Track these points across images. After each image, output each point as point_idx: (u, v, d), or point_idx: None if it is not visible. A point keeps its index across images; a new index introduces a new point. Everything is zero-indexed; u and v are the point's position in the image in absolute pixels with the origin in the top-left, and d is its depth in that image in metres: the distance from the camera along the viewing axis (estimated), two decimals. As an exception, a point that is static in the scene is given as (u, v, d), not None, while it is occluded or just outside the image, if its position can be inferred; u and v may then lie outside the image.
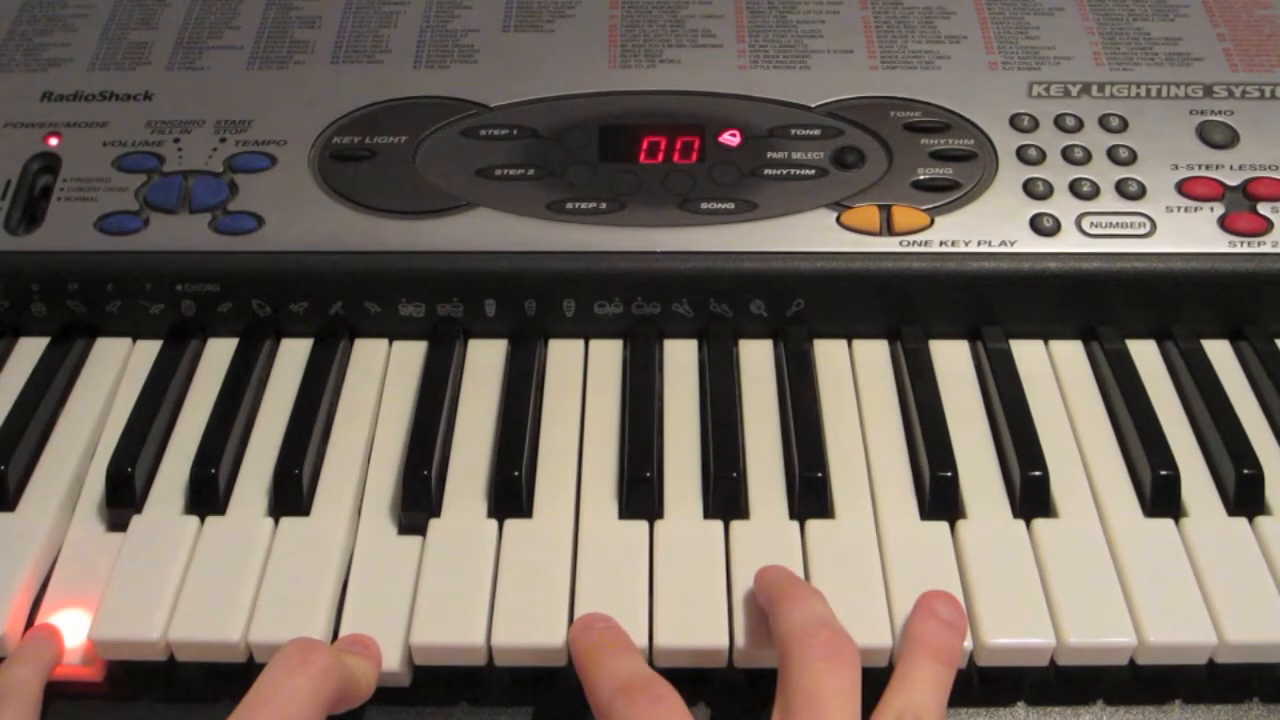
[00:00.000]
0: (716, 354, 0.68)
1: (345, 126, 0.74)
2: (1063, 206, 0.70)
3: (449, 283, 0.69)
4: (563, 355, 0.70)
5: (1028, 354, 0.70)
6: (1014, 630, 0.56)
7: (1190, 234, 0.70)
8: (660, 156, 0.73)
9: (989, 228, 0.70)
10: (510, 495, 0.61)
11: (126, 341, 0.71)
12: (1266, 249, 0.69)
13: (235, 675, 0.57)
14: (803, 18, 0.81)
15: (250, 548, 0.60)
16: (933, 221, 0.70)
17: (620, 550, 0.59)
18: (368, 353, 0.70)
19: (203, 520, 0.61)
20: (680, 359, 0.70)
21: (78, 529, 0.62)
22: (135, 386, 0.68)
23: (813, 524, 0.60)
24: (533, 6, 0.82)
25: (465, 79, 0.77)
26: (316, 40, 0.80)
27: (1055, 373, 0.69)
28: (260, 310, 0.70)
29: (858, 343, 0.70)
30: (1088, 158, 0.73)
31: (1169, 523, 0.61)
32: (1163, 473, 0.61)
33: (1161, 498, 0.61)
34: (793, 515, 0.61)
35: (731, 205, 0.70)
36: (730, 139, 0.74)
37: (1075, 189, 0.71)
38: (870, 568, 0.58)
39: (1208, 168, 0.72)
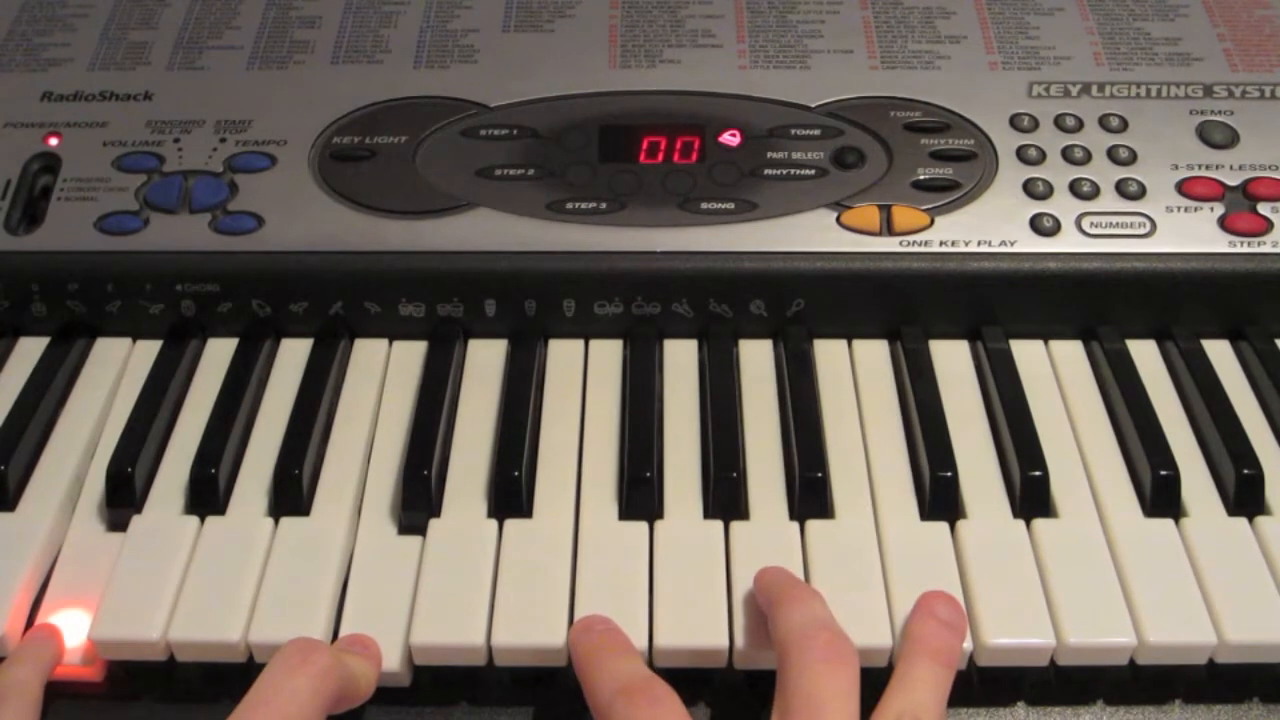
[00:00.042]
0: (716, 354, 0.68)
1: (345, 126, 0.74)
2: (1063, 206, 0.70)
3: (449, 283, 0.69)
4: (563, 355, 0.70)
5: (1028, 354, 0.70)
6: (1014, 630, 0.56)
7: (1190, 234, 0.70)
8: (660, 156, 0.73)
9: (989, 228, 0.70)
10: (510, 495, 0.61)
11: (126, 341, 0.71)
12: (1266, 249, 0.69)
13: (235, 675, 0.57)
14: (803, 18, 0.81)
15: (250, 548, 0.60)
16: (933, 221, 0.70)
17: (620, 550, 0.59)
18: (368, 353, 0.70)
19: (203, 520, 0.61)
20: (680, 359, 0.70)
21: (78, 529, 0.62)
22: (135, 386, 0.68)
23: (813, 524, 0.60)
24: (533, 6, 0.82)
25: (465, 79, 0.77)
26: (316, 40, 0.80)
27: (1055, 373, 0.69)
28: (260, 310, 0.70)
29: (858, 343, 0.71)
30: (1088, 158, 0.73)
31: (1169, 523, 0.61)
32: (1163, 473, 0.61)
33: (1161, 498, 0.61)
34: (793, 515, 0.61)
35: (731, 205, 0.70)
36: (730, 139, 0.74)
37: (1075, 189, 0.71)
38: (870, 568, 0.58)
39: (1208, 168, 0.72)
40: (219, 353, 0.70)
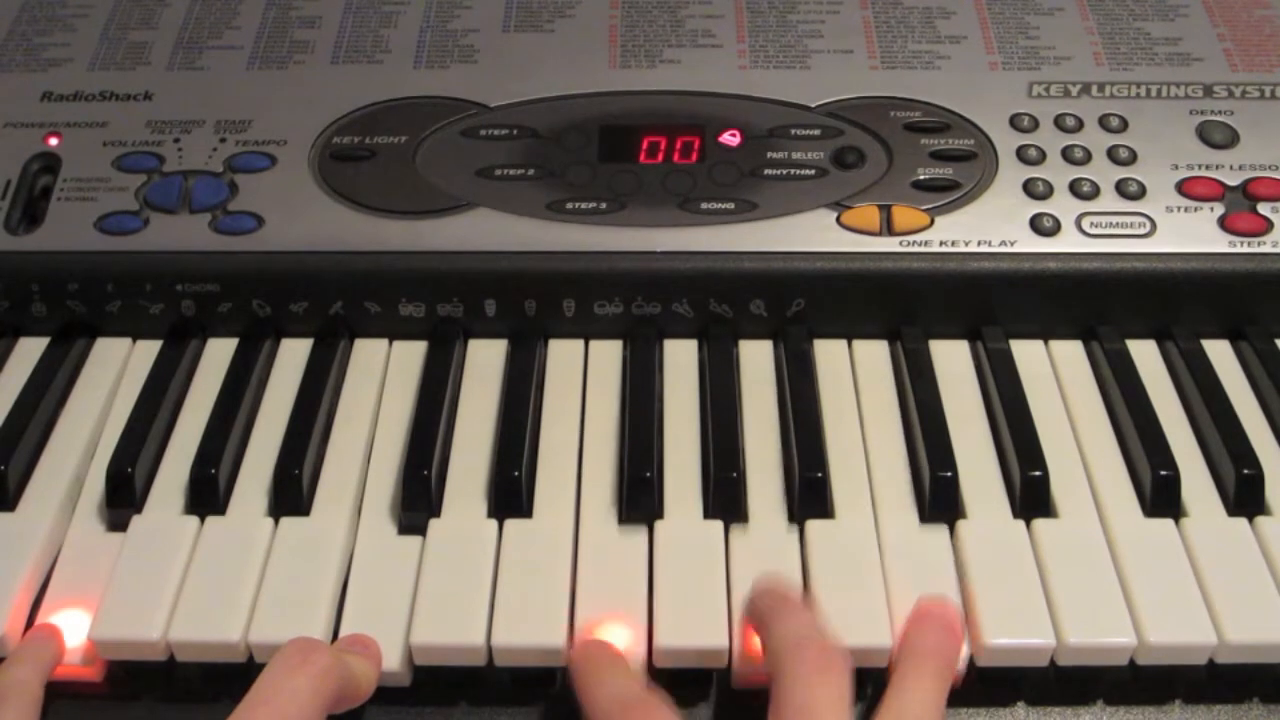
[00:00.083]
0: (716, 354, 0.68)
1: (345, 126, 0.74)
2: (1063, 206, 0.70)
3: (449, 283, 0.69)
4: (563, 355, 0.70)
5: (1028, 354, 0.70)
6: (1014, 630, 0.56)
7: (1190, 234, 0.70)
8: (660, 156, 0.73)
9: (989, 228, 0.70)
10: (510, 495, 0.61)
11: (126, 341, 0.71)
12: (1266, 249, 0.69)
13: (235, 675, 0.56)
14: (803, 18, 0.81)
15: (250, 548, 0.60)
16: (933, 221, 0.70)
17: (620, 551, 0.59)
18: (368, 353, 0.70)
19: (203, 520, 0.61)
20: (680, 359, 0.70)
21: (78, 529, 0.62)
22: (135, 386, 0.68)
23: (813, 524, 0.60)
24: (533, 6, 0.82)
25: (465, 79, 0.77)
26: (316, 40, 0.80)
27: (1055, 373, 0.69)
28: (260, 310, 0.70)
29: (858, 343, 0.70)
30: (1088, 158, 0.73)
31: (1169, 523, 0.61)
32: (1163, 473, 0.61)
33: (1161, 498, 0.61)
34: (793, 516, 0.61)
35: (731, 205, 0.70)
36: (730, 139, 0.74)
37: (1075, 189, 0.71)
38: (870, 568, 0.58)
39: (1208, 168, 0.72)
40: (219, 353, 0.70)
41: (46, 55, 0.79)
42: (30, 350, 0.70)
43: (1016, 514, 0.61)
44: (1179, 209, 0.71)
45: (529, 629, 0.56)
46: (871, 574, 0.58)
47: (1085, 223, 0.70)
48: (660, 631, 0.56)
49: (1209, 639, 0.56)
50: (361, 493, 0.63)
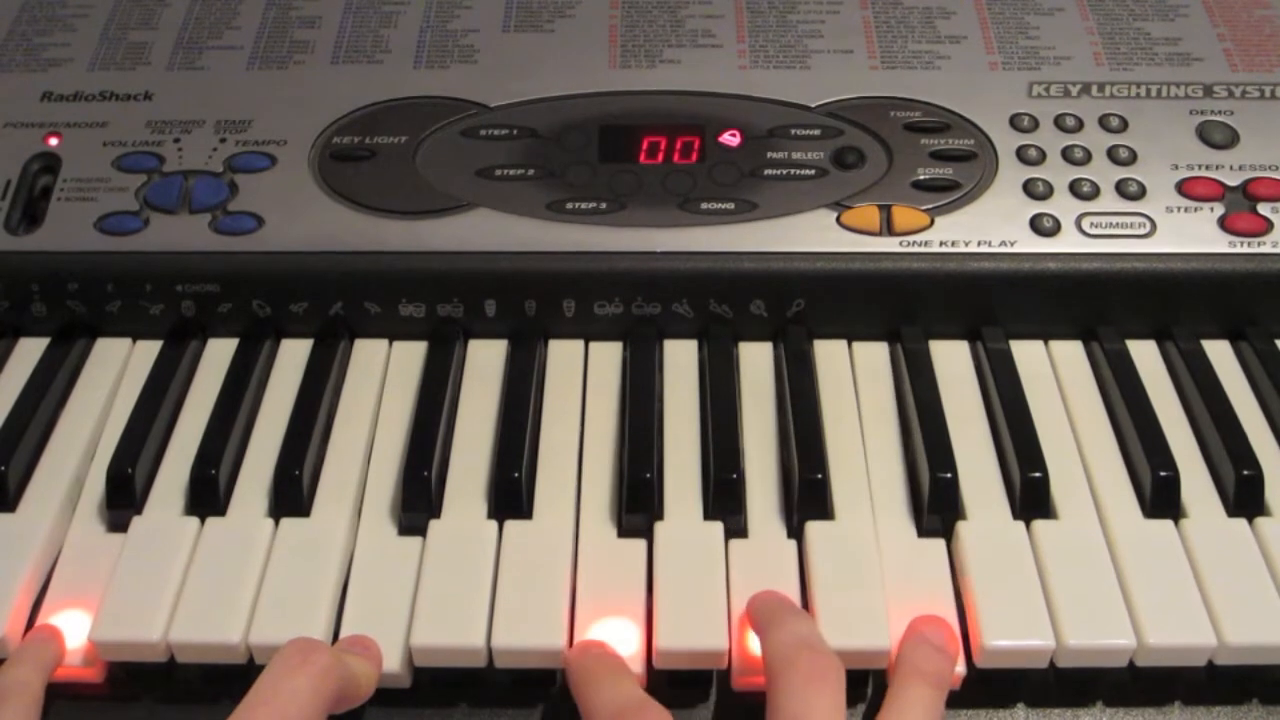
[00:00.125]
0: (716, 354, 0.68)
1: (345, 126, 0.74)
2: (1063, 207, 0.70)
3: (449, 283, 0.69)
4: (563, 356, 0.70)
5: (1028, 354, 0.70)
6: (1014, 632, 0.56)
7: (1190, 234, 0.70)
8: (660, 157, 0.73)
9: (989, 228, 0.70)
10: (510, 496, 0.61)
11: (127, 342, 0.71)
12: (1266, 249, 0.69)
13: (235, 676, 0.57)
14: (803, 18, 0.81)
15: (250, 549, 0.60)
16: (933, 222, 0.70)
17: (620, 552, 0.60)
18: (368, 353, 0.70)
19: (203, 521, 0.61)
20: (680, 359, 0.70)
21: (78, 530, 0.62)
22: (135, 387, 0.68)
23: (812, 525, 0.60)
24: (533, 6, 0.82)
25: (465, 79, 0.77)
26: (316, 40, 0.80)
27: (1055, 373, 0.69)
28: (260, 310, 0.70)
29: (858, 343, 0.70)
30: (1088, 158, 0.73)
31: (1169, 524, 0.61)
32: (1162, 474, 0.61)
33: (1161, 499, 0.61)
34: (793, 517, 0.61)
35: (731, 205, 0.70)
36: (730, 139, 0.73)
37: (1075, 189, 0.71)
38: (870, 569, 0.58)
39: (1208, 168, 0.72)
40: (219, 353, 0.70)
41: (46, 55, 0.79)
42: (30, 350, 0.70)
43: (1016, 515, 0.61)
44: (1179, 209, 0.71)
45: (529, 630, 0.56)
46: (871, 575, 0.58)
47: (1085, 223, 0.70)
48: (660, 633, 0.56)
49: (1208, 640, 0.56)
50: (362, 493, 0.63)
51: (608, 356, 0.70)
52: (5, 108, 0.76)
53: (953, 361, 0.69)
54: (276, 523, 0.61)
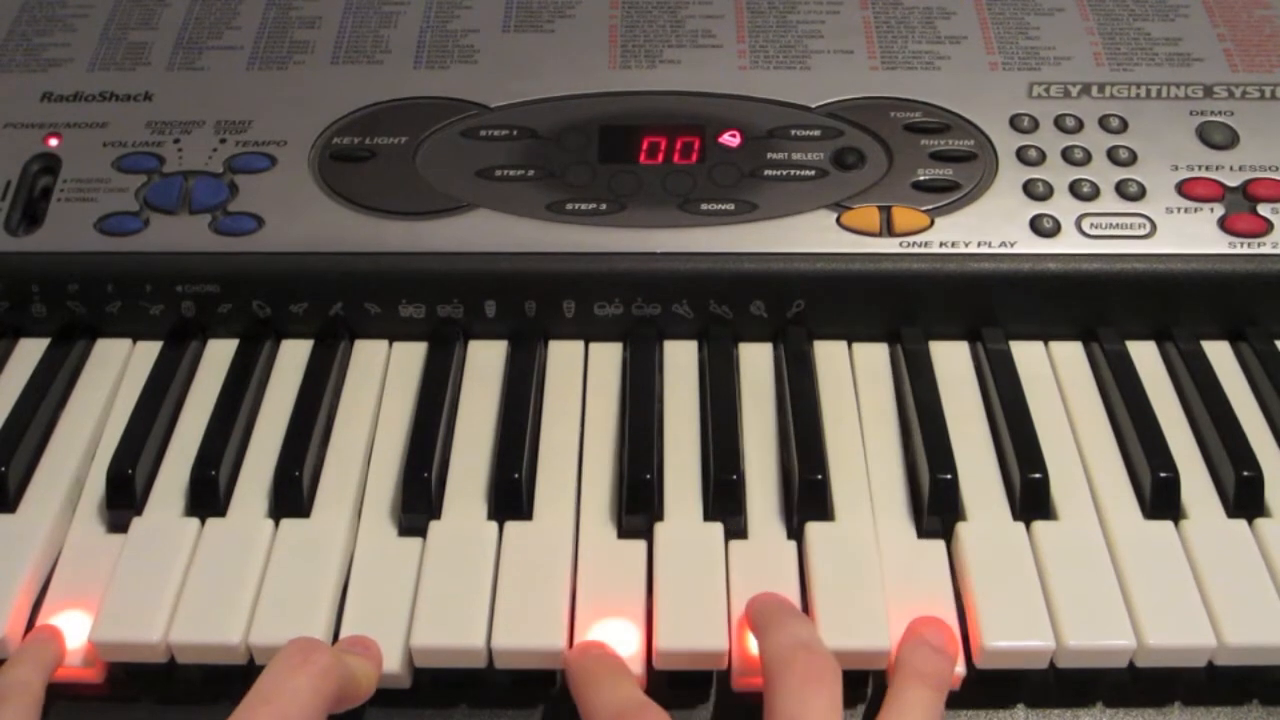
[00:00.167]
0: (716, 355, 0.68)
1: (345, 127, 0.74)
2: (1063, 207, 0.70)
3: (449, 284, 0.69)
4: (563, 356, 0.70)
5: (1028, 355, 0.70)
6: (1014, 633, 0.56)
7: (1190, 235, 0.70)
8: (660, 157, 0.73)
9: (989, 228, 0.70)
10: (510, 497, 0.61)
11: (127, 342, 0.71)
12: (1266, 250, 0.69)
13: (235, 677, 0.57)
14: (803, 18, 0.81)
15: (250, 550, 0.60)
16: (933, 222, 0.70)
17: (620, 553, 0.60)
18: (368, 354, 0.70)
19: (203, 522, 0.61)
20: (680, 360, 0.70)
21: (78, 531, 0.62)
22: (135, 387, 0.68)
23: (812, 526, 0.60)
24: (533, 6, 0.82)
25: (465, 79, 0.77)
26: (316, 40, 0.80)
27: (1055, 374, 0.69)
28: (260, 311, 0.70)
29: (858, 344, 0.70)
30: (1088, 158, 0.73)
31: (1168, 525, 0.61)
32: (1162, 475, 0.61)
33: (1161, 500, 0.61)
34: (793, 518, 0.61)
35: (731, 206, 0.70)
36: (730, 139, 0.73)
37: (1075, 190, 0.71)
38: (870, 570, 0.58)
39: (1208, 168, 0.72)
40: (219, 354, 0.70)
41: (46, 55, 0.79)
42: (30, 351, 0.70)
43: (1016, 516, 0.61)
44: (1179, 210, 0.71)
45: (529, 631, 0.56)
46: (871, 576, 0.58)
47: (1085, 223, 0.70)
48: (660, 634, 0.56)
49: (1208, 641, 0.56)
50: (362, 494, 0.63)
51: (608, 357, 0.70)
52: (5, 108, 0.76)
53: (953, 362, 0.69)
54: (276, 523, 0.61)
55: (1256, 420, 0.66)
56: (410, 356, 0.70)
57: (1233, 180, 0.72)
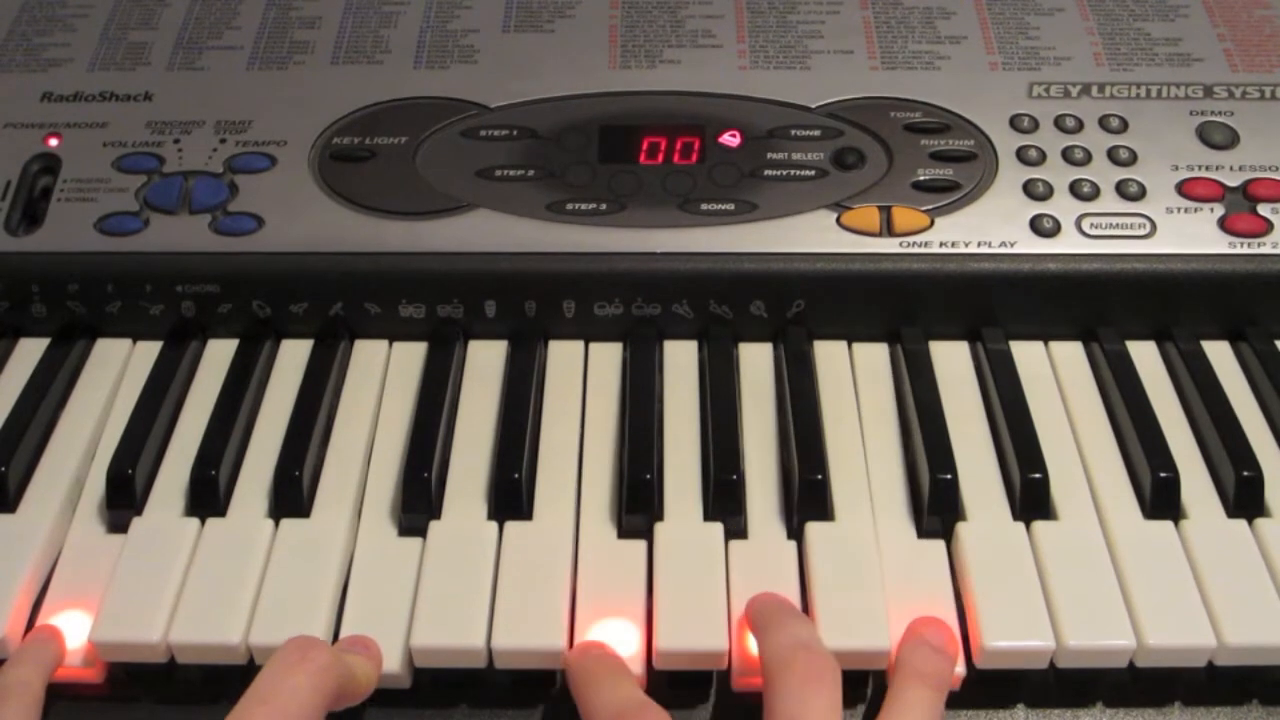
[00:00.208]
0: (716, 355, 0.68)
1: (345, 127, 0.74)
2: (1063, 207, 0.70)
3: (449, 284, 0.69)
4: (563, 356, 0.70)
5: (1028, 355, 0.70)
6: (1014, 633, 0.56)
7: (1190, 235, 0.70)
8: (660, 157, 0.73)
9: (989, 228, 0.70)
10: (510, 497, 0.61)
11: (127, 342, 0.71)
12: (1266, 250, 0.69)
13: (235, 677, 0.56)
14: (803, 18, 0.81)
15: (250, 550, 0.60)
16: (933, 222, 0.70)
17: (620, 553, 0.60)
18: (368, 354, 0.70)
19: (203, 522, 0.61)
20: (680, 360, 0.70)
21: (78, 531, 0.62)
22: (135, 387, 0.68)
23: (812, 526, 0.60)
24: (533, 6, 0.82)
25: (465, 79, 0.77)
26: (316, 40, 0.80)
27: (1055, 374, 0.69)
28: (260, 311, 0.70)
29: (858, 344, 0.70)
30: (1088, 158, 0.73)
31: (1168, 525, 0.61)
32: (1162, 475, 0.61)
33: (1161, 500, 0.61)
34: (793, 518, 0.61)
35: (731, 206, 0.70)
36: (730, 139, 0.73)
37: (1075, 190, 0.71)
38: (870, 570, 0.58)
39: (1208, 168, 0.72)
40: (219, 354, 0.70)
41: (46, 55, 0.79)
42: (30, 351, 0.70)
43: (1016, 516, 0.61)
44: (1179, 210, 0.71)
45: (529, 631, 0.56)
46: (871, 576, 0.58)
47: (1085, 224, 0.70)
48: (660, 634, 0.56)
49: (1208, 641, 0.56)
50: (362, 494, 0.63)
51: (608, 357, 0.70)
52: (5, 108, 0.76)
53: (953, 362, 0.69)
54: (276, 523, 0.61)
55: (1256, 420, 0.66)
56: (410, 356, 0.70)
57: (1233, 180, 0.72)
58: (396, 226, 0.70)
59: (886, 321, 0.70)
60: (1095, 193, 0.71)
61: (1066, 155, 0.73)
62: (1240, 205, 0.71)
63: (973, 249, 0.69)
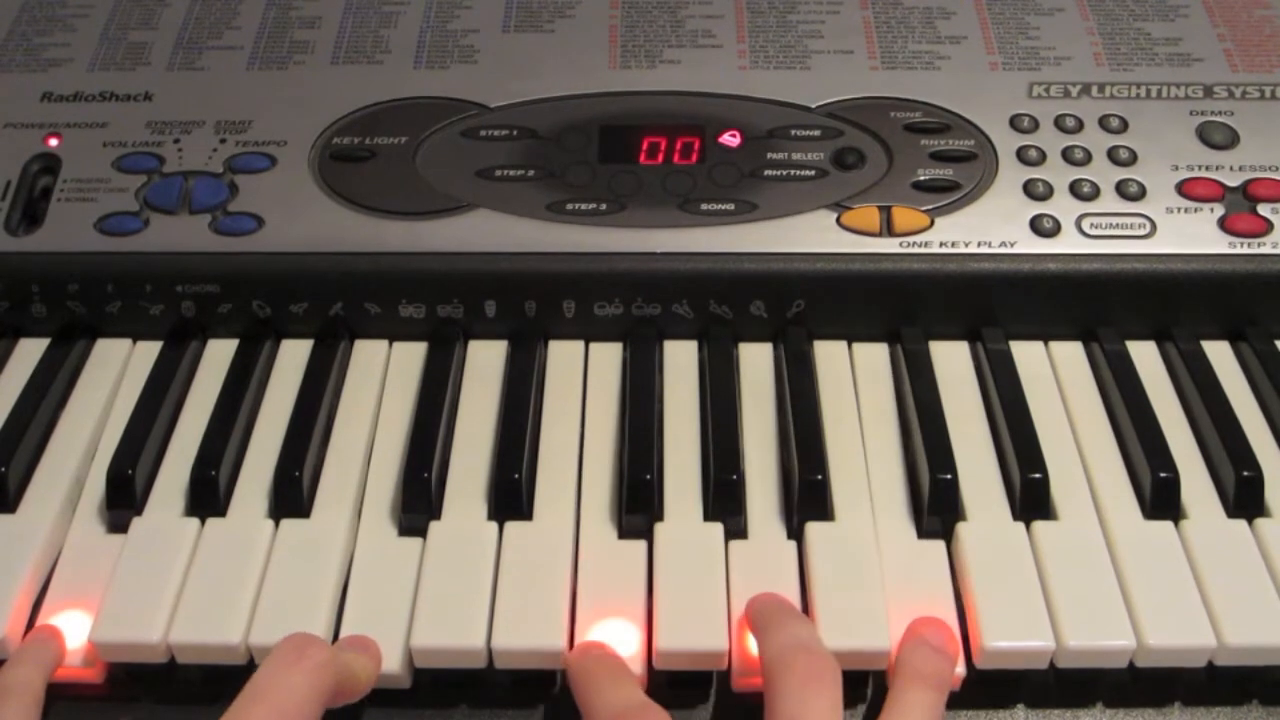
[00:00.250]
0: (716, 355, 0.68)
1: (345, 127, 0.74)
2: (1063, 207, 0.70)
3: (449, 284, 0.69)
4: (563, 356, 0.70)
5: (1028, 355, 0.70)
6: (1014, 633, 0.56)
7: (1190, 235, 0.70)
8: (660, 157, 0.73)
9: (989, 228, 0.70)
10: (510, 497, 0.61)
11: (127, 342, 0.71)
12: (1266, 250, 0.69)
13: (235, 677, 0.56)
14: (803, 18, 0.81)
15: (250, 550, 0.60)
16: (933, 222, 0.70)
17: (620, 553, 0.60)
18: (368, 354, 0.70)
19: (203, 522, 0.61)
20: (680, 360, 0.70)
21: (78, 531, 0.62)
22: (135, 388, 0.68)
23: (812, 526, 0.60)
24: (533, 6, 0.82)
25: (465, 79, 0.77)
26: (316, 40, 0.80)
27: (1055, 374, 0.69)
28: (260, 311, 0.70)
29: (858, 344, 0.70)
30: (1088, 158, 0.73)
31: (1168, 525, 0.61)
32: (1162, 475, 0.61)
33: (1161, 500, 0.61)
34: (793, 518, 0.61)
35: (731, 206, 0.70)
36: (730, 139, 0.73)
37: (1075, 190, 0.71)
38: (870, 570, 0.58)
39: (1208, 168, 0.72)
40: (219, 354, 0.70)
41: (46, 55, 0.79)
42: (30, 351, 0.70)
43: (1016, 516, 0.61)
44: (1179, 210, 0.71)
45: (529, 632, 0.56)
46: (871, 576, 0.58)
47: (1085, 224, 0.70)
48: (660, 634, 0.56)
49: (1208, 641, 0.56)
50: (362, 494, 0.63)
51: (608, 357, 0.70)
52: (5, 108, 0.76)
53: (953, 362, 0.69)
54: (277, 524, 0.61)
55: (1256, 420, 0.66)
56: (410, 356, 0.70)
57: (1233, 180, 0.72)
58: (396, 226, 0.70)
59: (886, 321, 0.70)
60: (1095, 193, 0.71)
61: (1066, 155, 0.73)
62: (1240, 205, 0.71)
63: (973, 249, 0.69)
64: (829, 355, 0.70)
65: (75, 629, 0.57)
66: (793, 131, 0.74)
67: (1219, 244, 0.69)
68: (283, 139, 0.74)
